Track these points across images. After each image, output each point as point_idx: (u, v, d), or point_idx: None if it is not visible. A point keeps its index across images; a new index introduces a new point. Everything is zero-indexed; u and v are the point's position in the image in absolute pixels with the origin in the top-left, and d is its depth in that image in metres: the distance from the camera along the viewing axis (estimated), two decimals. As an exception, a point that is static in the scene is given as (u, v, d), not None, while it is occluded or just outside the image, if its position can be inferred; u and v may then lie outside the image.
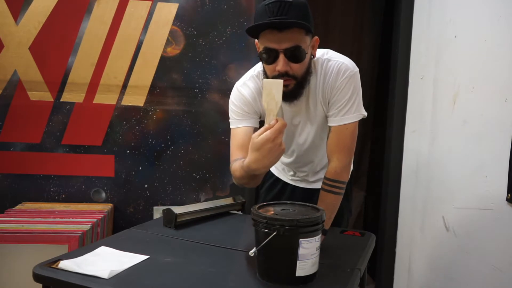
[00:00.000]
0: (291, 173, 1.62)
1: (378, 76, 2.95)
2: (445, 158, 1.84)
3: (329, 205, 1.27)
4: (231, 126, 1.39)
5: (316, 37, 1.25)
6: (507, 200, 1.37)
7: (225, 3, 2.28)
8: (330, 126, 1.32)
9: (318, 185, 1.41)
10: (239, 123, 1.36)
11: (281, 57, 1.16)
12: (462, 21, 1.75)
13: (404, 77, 2.25)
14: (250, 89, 1.36)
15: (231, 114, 1.39)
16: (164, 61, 2.29)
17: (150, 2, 2.25)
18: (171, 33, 2.28)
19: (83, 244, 1.83)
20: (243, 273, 1.05)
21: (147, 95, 2.29)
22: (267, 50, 1.17)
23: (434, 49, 1.98)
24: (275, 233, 0.93)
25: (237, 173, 1.21)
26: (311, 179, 1.57)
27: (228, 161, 1.30)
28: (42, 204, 2.22)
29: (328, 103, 1.32)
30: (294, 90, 1.24)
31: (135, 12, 2.24)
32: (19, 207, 2.15)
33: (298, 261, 0.95)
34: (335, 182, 1.29)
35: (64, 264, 1.00)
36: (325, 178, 1.31)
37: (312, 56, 1.27)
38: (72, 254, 1.10)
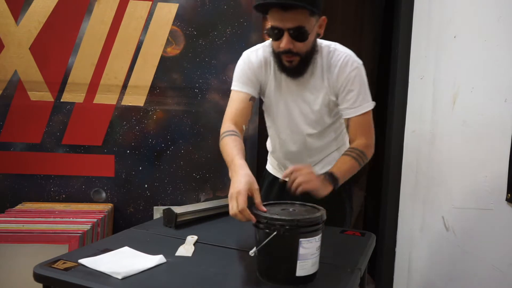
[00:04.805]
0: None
1: (378, 76, 2.95)
2: (445, 158, 1.84)
3: (345, 164, 1.30)
4: (232, 88, 1.42)
5: (324, 16, 1.30)
6: (507, 200, 1.37)
7: (225, 3, 2.28)
8: (348, 119, 1.37)
9: None
10: (241, 87, 1.40)
11: (285, 36, 1.23)
12: (462, 21, 1.75)
13: (404, 77, 2.25)
14: (258, 57, 1.41)
15: (235, 76, 1.43)
16: (164, 61, 2.29)
17: (150, 2, 2.25)
18: (171, 33, 2.28)
19: (83, 244, 1.83)
20: (243, 273, 1.05)
21: (147, 95, 2.30)
22: (273, 28, 1.24)
23: (434, 49, 1.98)
24: (275, 233, 0.93)
25: (224, 155, 1.28)
26: None
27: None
28: (42, 204, 2.22)
29: (337, 96, 1.37)
30: (298, 66, 1.31)
31: (135, 12, 2.24)
32: (19, 207, 2.15)
33: (298, 261, 0.95)
34: (357, 150, 1.33)
35: (84, 261, 1.03)
36: (348, 148, 1.36)
37: (318, 35, 1.32)
38: (72, 254, 1.10)
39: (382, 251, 2.35)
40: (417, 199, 2.11)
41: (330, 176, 1.24)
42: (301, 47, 1.26)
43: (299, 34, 1.22)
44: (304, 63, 1.31)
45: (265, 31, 1.29)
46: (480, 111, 1.57)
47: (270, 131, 1.57)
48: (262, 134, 2.33)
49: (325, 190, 1.22)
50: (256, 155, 2.37)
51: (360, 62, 1.37)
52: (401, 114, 2.26)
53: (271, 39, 1.30)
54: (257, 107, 2.36)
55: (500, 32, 1.47)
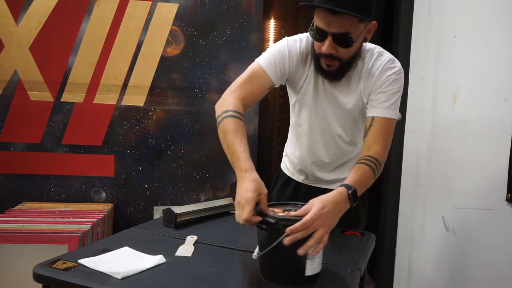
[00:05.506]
0: (303, 177, 1.54)
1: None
2: (445, 158, 1.84)
3: (364, 176, 1.12)
4: (261, 63, 1.27)
5: (374, 21, 1.22)
6: (507, 200, 1.37)
7: (225, 3, 2.28)
8: (372, 118, 1.25)
9: (334, 186, 1.20)
10: (271, 71, 1.26)
11: (328, 39, 1.15)
12: (462, 21, 1.75)
13: (404, 77, 2.25)
14: (301, 49, 1.30)
15: (270, 54, 1.28)
16: (164, 61, 2.29)
17: (150, 2, 2.25)
18: (171, 33, 2.28)
19: (83, 244, 1.83)
20: (244, 272, 1.05)
21: (147, 95, 2.30)
22: (317, 29, 1.17)
23: (434, 49, 1.98)
24: (285, 234, 0.91)
25: (225, 142, 1.17)
26: (327, 178, 1.50)
27: (226, 161, 1.22)
28: (42, 204, 2.22)
29: (369, 96, 1.29)
30: (336, 71, 1.23)
31: (135, 12, 2.24)
32: (19, 207, 2.15)
33: (307, 260, 0.94)
34: (376, 161, 1.16)
35: (84, 261, 1.03)
36: (363, 156, 1.19)
37: (365, 39, 1.25)
38: (72, 254, 1.10)
39: (382, 251, 2.35)
40: (417, 199, 2.11)
41: (352, 194, 1.04)
42: (344, 53, 1.18)
43: (343, 40, 1.15)
44: (344, 68, 1.24)
45: (309, 29, 1.20)
46: (480, 111, 1.57)
47: (298, 129, 1.47)
48: (262, 134, 2.33)
49: (340, 214, 1.03)
50: (256, 155, 2.37)
51: (402, 70, 1.28)
52: (401, 114, 2.26)
53: (313, 39, 1.21)
54: (256, 107, 2.37)
55: (500, 32, 1.47)
